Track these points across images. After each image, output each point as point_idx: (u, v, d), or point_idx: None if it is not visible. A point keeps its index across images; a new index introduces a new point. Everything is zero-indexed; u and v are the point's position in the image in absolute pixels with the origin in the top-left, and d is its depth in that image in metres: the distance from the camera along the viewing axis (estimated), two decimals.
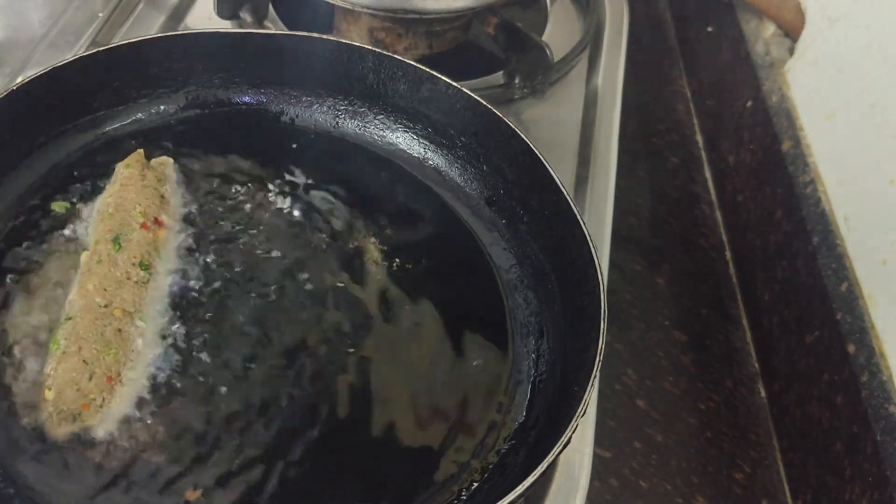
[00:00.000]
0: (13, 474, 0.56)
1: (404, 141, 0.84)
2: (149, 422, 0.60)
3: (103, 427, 0.59)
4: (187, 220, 0.73)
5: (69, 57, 0.73)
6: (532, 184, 0.74)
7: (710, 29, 1.21)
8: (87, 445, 0.58)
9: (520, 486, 0.53)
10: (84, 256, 0.67)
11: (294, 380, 0.65)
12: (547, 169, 0.72)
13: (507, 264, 0.76)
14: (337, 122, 0.84)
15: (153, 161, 0.74)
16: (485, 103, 0.77)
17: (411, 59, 0.79)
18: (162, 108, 0.80)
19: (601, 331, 0.61)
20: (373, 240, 0.75)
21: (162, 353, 0.64)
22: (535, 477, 0.54)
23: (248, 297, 0.69)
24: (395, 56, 0.79)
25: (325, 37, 0.79)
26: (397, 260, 0.74)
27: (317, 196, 0.78)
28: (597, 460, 0.69)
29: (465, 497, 0.61)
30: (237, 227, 0.73)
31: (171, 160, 0.75)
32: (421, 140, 0.83)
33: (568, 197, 0.70)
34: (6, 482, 0.56)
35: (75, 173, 0.74)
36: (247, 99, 0.83)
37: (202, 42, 0.79)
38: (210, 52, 0.80)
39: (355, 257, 0.74)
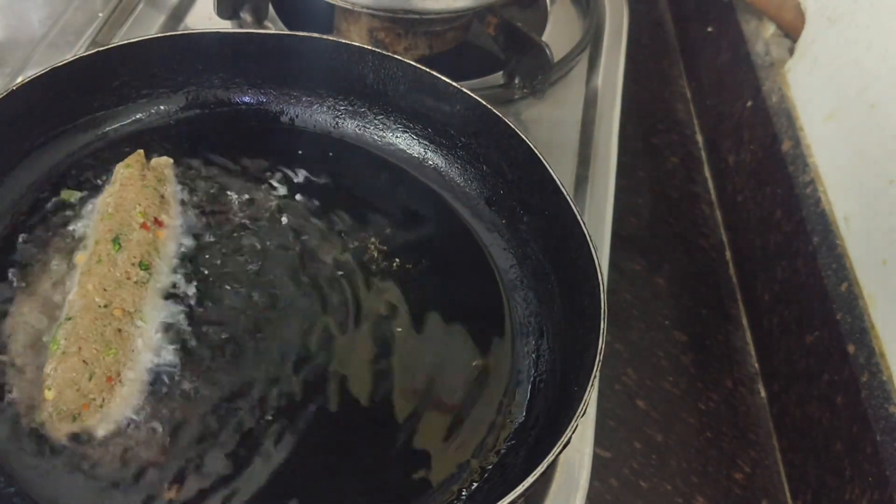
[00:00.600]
0: (13, 474, 0.56)
1: (404, 141, 0.84)
2: (148, 422, 0.60)
3: (103, 427, 0.59)
4: (187, 220, 0.73)
5: (69, 57, 0.73)
6: (532, 184, 0.74)
7: (710, 29, 1.21)
8: (86, 445, 0.58)
9: (520, 486, 0.53)
10: (84, 256, 0.67)
11: (293, 380, 0.65)
12: (547, 169, 0.72)
13: (507, 264, 0.76)
14: (337, 123, 0.84)
15: (153, 161, 0.74)
16: (485, 103, 0.77)
17: (411, 59, 0.79)
18: (162, 108, 0.80)
19: (601, 331, 0.61)
20: (373, 240, 0.75)
21: (162, 352, 0.64)
22: (535, 477, 0.54)
23: (248, 296, 0.69)
24: (395, 56, 0.79)
25: (325, 37, 0.79)
26: (397, 260, 0.74)
27: (317, 196, 0.78)
28: (597, 460, 0.69)
29: (465, 497, 0.61)
30: (237, 227, 0.73)
31: (170, 160, 0.75)
32: (421, 140, 0.83)
33: (568, 197, 0.70)
34: (6, 481, 0.56)
35: (75, 173, 0.74)
36: (247, 99, 0.83)
37: (202, 42, 0.79)
38: (210, 52, 0.80)
39: (355, 257, 0.74)
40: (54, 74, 0.71)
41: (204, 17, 0.97)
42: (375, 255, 0.74)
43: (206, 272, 0.69)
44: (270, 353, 0.66)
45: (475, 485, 0.62)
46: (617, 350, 0.85)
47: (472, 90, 0.78)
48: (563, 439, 0.56)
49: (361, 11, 0.90)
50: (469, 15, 0.97)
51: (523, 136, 0.74)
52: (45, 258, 0.67)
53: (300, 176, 0.79)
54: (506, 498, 0.53)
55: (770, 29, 1.06)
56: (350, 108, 0.84)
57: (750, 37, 1.09)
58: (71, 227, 0.70)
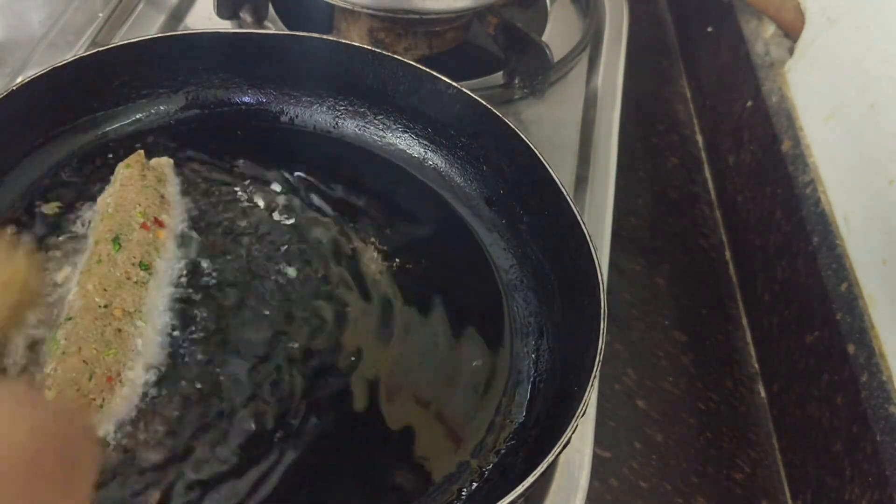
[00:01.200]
0: None
1: (404, 141, 0.84)
2: (149, 421, 0.60)
3: (103, 427, 0.59)
4: (187, 220, 0.73)
5: (69, 57, 0.73)
6: (532, 184, 0.74)
7: (710, 29, 1.21)
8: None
9: (520, 486, 0.53)
10: (84, 256, 0.67)
11: (293, 380, 0.65)
12: (547, 169, 0.72)
13: (507, 264, 0.76)
14: (337, 123, 0.84)
15: (153, 161, 0.74)
16: (485, 103, 0.77)
17: (411, 60, 0.79)
18: (162, 108, 0.80)
19: (601, 331, 0.61)
20: (373, 240, 0.75)
21: (162, 353, 0.64)
22: (535, 477, 0.54)
23: (248, 296, 0.69)
24: (395, 56, 0.79)
25: (325, 37, 0.79)
26: (397, 260, 0.74)
27: (317, 196, 0.78)
28: (597, 460, 0.69)
29: (464, 497, 0.61)
30: (237, 227, 0.73)
31: (170, 160, 0.75)
32: (421, 140, 0.83)
33: (568, 197, 0.70)
34: None
35: (75, 174, 0.74)
36: (247, 99, 0.83)
37: (202, 42, 0.79)
38: (210, 52, 0.80)
39: (355, 257, 0.74)
40: (54, 74, 0.71)
41: (204, 17, 0.97)
42: (375, 254, 0.74)
43: (206, 272, 0.69)
44: (272, 354, 0.66)
45: (475, 485, 0.62)
46: (617, 350, 0.85)
47: (472, 90, 0.78)
48: (563, 439, 0.56)
49: (361, 11, 0.90)
50: (469, 15, 0.97)
51: (523, 136, 0.74)
52: (45, 258, 0.67)
53: (300, 176, 0.79)
54: (506, 498, 0.53)
55: (770, 29, 1.06)
56: (350, 108, 0.84)
57: (750, 37, 1.09)
58: (71, 228, 0.70)
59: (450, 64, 0.88)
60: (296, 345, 0.67)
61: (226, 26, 0.94)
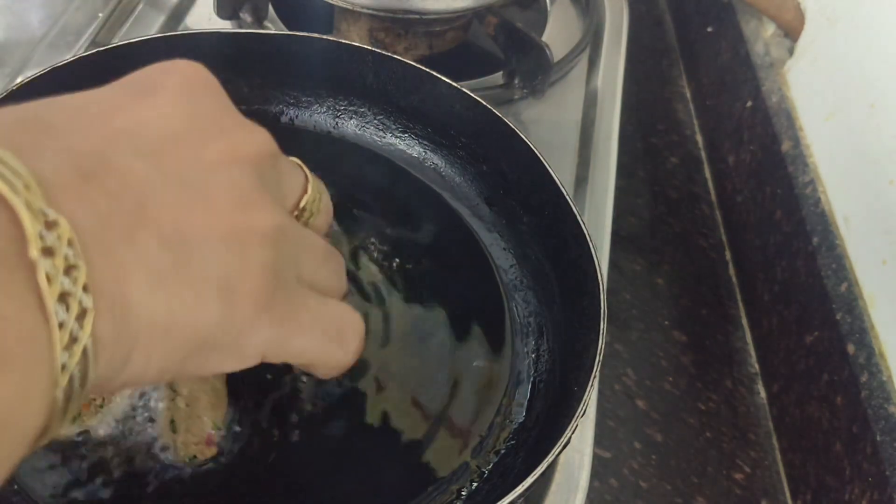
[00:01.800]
0: (13, 474, 0.56)
1: (404, 141, 0.84)
2: (149, 422, 0.60)
3: (104, 427, 0.59)
4: None
5: (69, 57, 0.73)
6: (532, 184, 0.74)
7: (710, 29, 1.21)
8: (87, 445, 0.58)
9: (520, 487, 0.53)
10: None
11: (292, 379, 0.65)
12: (547, 169, 0.72)
13: (507, 264, 0.76)
14: (337, 123, 0.84)
15: None
16: (485, 103, 0.76)
17: (411, 60, 0.79)
18: None
19: (601, 331, 0.61)
20: (372, 240, 0.75)
21: None
22: (535, 477, 0.54)
23: None
24: (395, 56, 0.79)
25: (325, 37, 0.79)
26: (397, 260, 0.74)
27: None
28: (596, 460, 0.69)
29: (464, 497, 0.61)
30: None
31: None
32: (421, 140, 0.83)
33: (568, 197, 0.70)
34: (6, 481, 0.56)
35: None
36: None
37: (202, 42, 0.79)
38: (210, 52, 0.80)
39: (355, 257, 0.74)
40: (54, 74, 0.71)
41: (204, 17, 0.97)
42: (375, 255, 0.74)
43: None
44: None
45: (475, 485, 0.62)
46: (617, 350, 0.86)
47: (472, 90, 0.78)
48: (563, 439, 0.56)
49: (361, 11, 0.90)
50: (469, 15, 0.97)
51: (523, 137, 0.74)
52: None
53: None
54: (506, 498, 0.53)
55: (770, 29, 1.06)
56: (350, 108, 0.84)
57: (750, 37, 1.09)
58: None
59: (450, 64, 0.88)
60: None
61: (226, 26, 0.94)
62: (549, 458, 0.55)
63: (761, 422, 0.85)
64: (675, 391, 0.84)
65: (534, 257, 0.75)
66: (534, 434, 0.64)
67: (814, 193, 0.87)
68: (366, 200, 0.79)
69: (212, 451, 0.59)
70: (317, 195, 0.49)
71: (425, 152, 0.83)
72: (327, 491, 0.60)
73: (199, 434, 0.58)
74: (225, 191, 0.37)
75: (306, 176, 0.48)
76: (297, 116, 0.84)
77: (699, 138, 1.17)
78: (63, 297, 0.27)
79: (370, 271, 0.73)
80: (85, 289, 0.28)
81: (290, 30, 0.93)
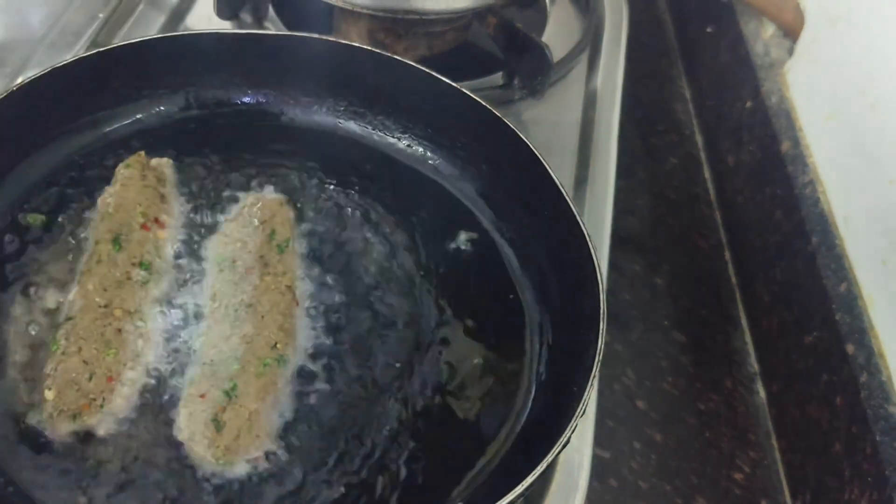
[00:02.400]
0: (13, 473, 0.56)
1: (404, 141, 0.84)
2: (149, 421, 0.60)
3: (104, 427, 0.59)
4: (187, 220, 0.73)
5: (69, 57, 0.73)
6: (532, 184, 0.74)
7: (709, 29, 1.21)
8: (87, 445, 0.58)
9: (519, 486, 0.53)
10: (84, 256, 0.67)
11: (290, 379, 0.65)
12: (547, 169, 0.72)
13: (507, 264, 0.76)
14: (337, 123, 0.84)
15: (153, 161, 0.74)
16: (485, 104, 0.77)
17: (411, 60, 0.80)
18: (162, 108, 0.80)
19: (601, 331, 0.61)
20: (373, 240, 0.75)
21: (162, 352, 0.64)
22: (535, 477, 0.54)
23: (246, 295, 0.69)
24: (395, 56, 0.79)
25: (325, 37, 0.79)
26: (397, 260, 0.74)
27: (317, 196, 0.78)
28: (596, 460, 0.69)
29: (465, 496, 0.61)
30: (237, 227, 0.73)
31: (171, 161, 0.75)
32: (421, 140, 0.83)
33: (568, 197, 0.70)
34: (6, 481, 0.56)
35: (75, 174, 0.74)
36: (247, 99, 0.83)
37: (202, 42, 0.79)
38: (210, 53, 0.80)
39: (357, 257, 0.74)
40: (54, 75, 0.71)
41: (204, 18, 0.97)
42: (376, 254, 0.74)
43: (207, 272, 0.69)
44: (278, 350, 0.66)
45: (476, 484, 0.62)
46: (616, 350, 0.86)
47: (472, 90, 0.78)
48: (563, 439, 0.56)
49: (361, 12, 0.90)
50: (469, 15, 0.97)
51: (523, 137, 0.74)
52: (45, 257, 0.67)
53: (300, 176, 0.79)
54: (506, 498, 0.53)
55: (770, 29, 1.06)
56: (350, 109, 0.84)
57: (750, 37, 1.09)
58: (71, 228, 0.70)
59: (450, 64, 0.89)
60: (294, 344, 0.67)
61: (226, 26, 0.94)
62: (549, 458, 0.55)
63: (761, 422, 0.85)
64: (675, 391, 0.84)
65: (534, 257, 0.75)
66: (534, 434, 0.64)
67: (813, 193, 0.87)
68: (366, 200, 0.79)
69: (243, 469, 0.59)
70: None
71: (425, 152, 0.83)
72: (326, 492, 0.60)
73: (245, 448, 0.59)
74: None
75: None
76: (297, 116, 0.84)
77: (699, 138, 1.17)
78: None
79: (370, 271, 0.73)
80: None
81: (290, 30, 0.93)
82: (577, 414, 0.57)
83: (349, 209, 0.77)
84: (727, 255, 1.02)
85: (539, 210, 0.75)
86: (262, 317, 0.64)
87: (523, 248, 0.76)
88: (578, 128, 0.96)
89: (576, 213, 0.69)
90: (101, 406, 0.59)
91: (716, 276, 0.99)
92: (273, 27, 0.96)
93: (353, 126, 0.84)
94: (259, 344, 0.63)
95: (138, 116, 0.79)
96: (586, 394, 0.58)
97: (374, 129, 0.84)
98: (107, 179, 0.73)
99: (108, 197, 0.70)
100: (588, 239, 0.67)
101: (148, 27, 0.96)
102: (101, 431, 0.59)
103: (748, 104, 1.04)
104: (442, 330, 0.70)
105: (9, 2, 0.96)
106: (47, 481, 0.56)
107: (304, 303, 0.69)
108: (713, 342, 0.92)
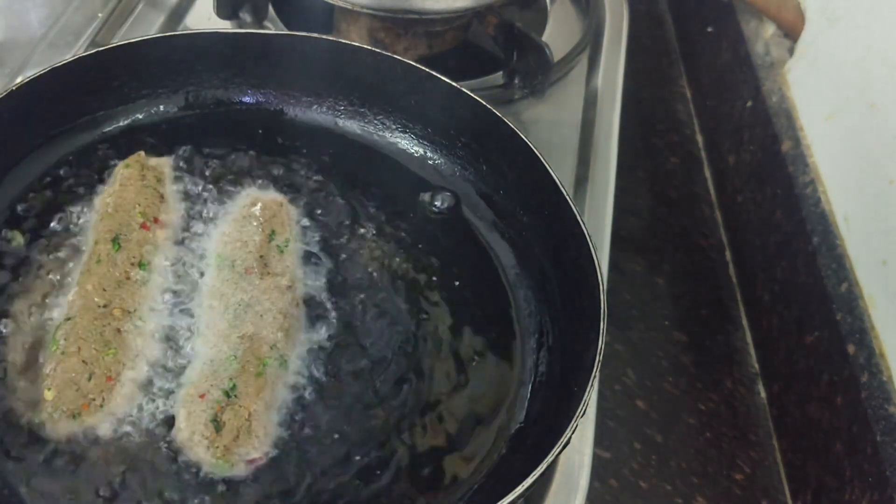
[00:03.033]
0: (13, 473, 0.56)
1: (404, 141, 0.84)
2: (148, 422, 0.60)
3: (103, 426, 0.59)
4: (187, 219, 0.73)
5: (69, 57, 0.73)
6: (532, 184, 0.74)
7: (710, 29, 1.21)
8: (87, 444, 0.58)
9: (520, 487, 0.53)
10: (83, 256, 0.67)
11: (290, 379, 0.65)
12: (547, 169, 0.72)
13: (507, 264, 0.76)
14: (337, 122, 0.84)
15: (153, 161, 0.74)
16: (485, 103, 0.76)
17: (411, 59, 0.79)
18: (161, 108, 0.80)
19: (601, 331, 0.61)
20: (373, 239, 0.75)
21: (161, 352, 0.63)
22: (535, 477, 0.54)
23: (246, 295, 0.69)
24: (395, 56, 0.79)
25: (324, 37, 0.79)
26: (397, 259, 0.74)
27: (317, 196, 0.78)
28: (596, 461, 0.69)
29: (465, 497, 0.61)
30: (237, 227, 0.73)
31: (170, 160, 0.75)
32: (421, 140, 0.83)
33: (568, 197, 0.70)
34: (6, 481, 0.56)
35: (75, 173, 0.74)
36: (247, 99, 0.83)
37: (202, 42, 0.79)
38: (210, 52, 0.80)
39: (357, 257, 0.74)
40: (54, 74, 0.71)
41: (204, 17, 0.97)
42: (376, 254, 0.74)
43: (206, 271, 0.69)
44: (277, 350, 0.66)
45: (475, 485, 0.62)
46: (617, 350, 0.85)
47: (472, 90, 0.78)
48: (563, 439, 0.56)
49: (361, 11, 0.90)
50: (469, 15, 0.97)
51: (523, 137, 0.74)
52: (44, 258, 0.67)
53: (300, 175, 0.79)
54: (506, 498, 0.53)
55: (770, 29, 1.06)
56: (350, 108, 0.84)
57: (750, 37, 1.09)
58: (70, 227, 0.70)
59: (450, 64, 0.89)
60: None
61: (226, 26, 0.94)
62: (549, 458, 0.55)
63: (761, 422, 0.85)
64: (675, 391, 0.84)
65: (534, 257, 0.75)
66: (534, 434, 0.64)
67: (814, 193, 0.87)
68: (366, 200, 0.79)
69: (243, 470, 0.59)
70: None
71: (425, 152, 0.83)
72: (326, 492, 0.60)
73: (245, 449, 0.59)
74: None
75: None
76: (297, 116, 0.84)
77: (699, 138, 1.17)
78: None
79: (370, 271, 0.73)
80: None
81: (290, 30, 0.93)
82: (577, 414, 0.56)
83: (349, 209, 0.77)
84: (727, 254, 1.02)
85: (539, 210, 0.75)
86: (262, 317, 0.64)
87: (523, 248, 0.76)
88: (579, 128, 0.96)
89: (576, 212, 0.69)
90: (101, 406, 0.59)
91: (716, 276, 0.99)
92: (273, 27, 0.96)
93: (353, 125, 0.84)
94: (259, 344, 0.62)
95: (138, 116, 0.79)
96: (586, 394, 0.58)
97: (374, 129, 0.84)
98: (106, 179, 0.73)
99: (107, 197, 0.70)
100: (588, 239, 0.67)
101: (147, 27, 0.96)
102: (100, 431, 0.59)
103: (749, 104, 1.04)
104: (441, 329, 0.70)
105: (9, 2, 0.96)
106: (47, 480, 0.56)
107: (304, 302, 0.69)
108: (713, 342, 0.92)
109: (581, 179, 0.90)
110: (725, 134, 1.09)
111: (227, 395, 0.59)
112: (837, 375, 0.76)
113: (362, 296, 0.71)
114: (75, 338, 0.60)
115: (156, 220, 0.70)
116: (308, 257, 0.73)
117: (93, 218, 0.70)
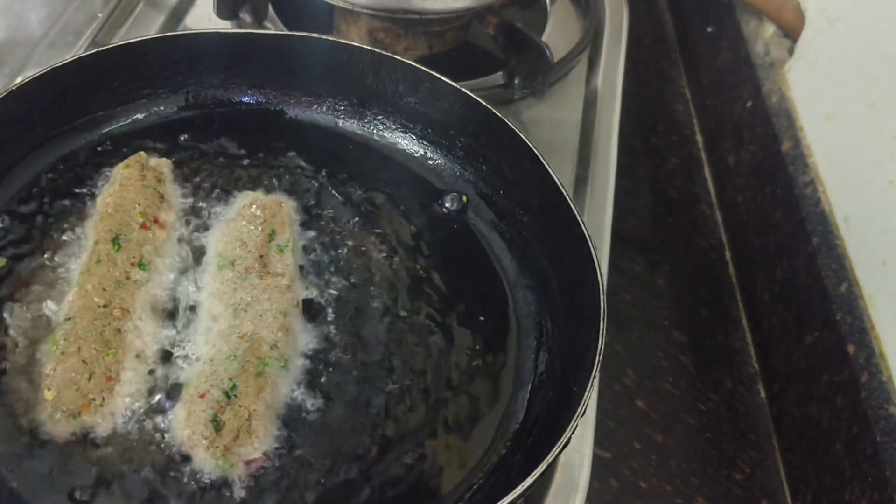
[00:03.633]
0: (13, 473, 0.56)
1: (404, 141, 0.84)
2: (148, 421, 0.60)
3: (103, 426, 0.59)
4: (186, 220, 0.73)
5: (68, 57, 0.73)
6: (532, 184, 0.74)
7: (710, 29, 1.21)
8: (86, 444, 0.58)
9: (520, 487, 0.53)
10: (83, 256, 0.67)
11: (290, 379, 0.65)
12: (547, 169, 0.72)
13: (507, 264, 0.76)
14: (337, 122, 0.84)
15: (152, 161, 0.74)
16: (485, 103, 0.76)
17: (411, 60, 0.79)
18: (161, 108, 0.80)
19: (601, 331, 0.61)
20: (373, 239, 0.75)
21: (161, 352, 0.63)
22: (535, 477, 0.54)
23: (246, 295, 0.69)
24: (395, 56, 0.79)
25: (324, 37, 0.79)
26: (396, 259, 0.74)
27: (317, 195, 0.78)
28: (596, 461, 0.69)
29: (465, 497, 0.61)
30: (237, 227, 0.73)
31: (170, 160, 0.75)
32: (421, 140, 0.83)
33: (568, 197, 0.70)
34: (6, 480, 0.56)
35: (74, 174, 0.74)
36: (247, 99, 0.83)
37: (202, 42, 0.79)
38: (210, 52, 0.80)
39: (357, 257, 0.74)
40: (54, 74, 0.71)
41: (204, 18, 0.97)
42: (377, 254, 0.74)
43: (206, 271, 0.69)
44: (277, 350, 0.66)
45: (475, 485, 0.62)
46: (617, 350, 0.85)
47: (472, 90, 0.78)
48: (563, 439, 0.56)
49: (361, 12, 0.90)
50: (469, 15, 0.97)
51: (523, 137, 0.74)
52: (44, 258, 0.67)
53: (300, 175, 0.79)
54: (506, 498, 0.53)
55: (770, 29, 1.06)
56: (350, 108, 0.84)
57: (750, 37, 1.09)
58: (71, 227, 0.70)
59: (450, 64, 0.89)
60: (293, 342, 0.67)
61: (226, 26, 0.94)
62: (549, 458, 0.55)
63: (761, 422, 0.85)
64: (675, 391, 0.84)
65: (534, 257, 0.75)
66: (533, 434, 0.64)
67: (814, 194, 0.87)
68: (365, 200, 0.79)
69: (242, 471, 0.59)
70: None
71: (425, 152, 0.83)
72: (327, 493, 0.60)
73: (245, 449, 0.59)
74: None
75: None
76: (297, 116, 0.84)
77: (699, 138, 1.17)
78: None
79: (371, 271, 0.73)
80: None
81: (290, 30, 0.93)
82: (577, 414, 0.57)
83: (349, 209, 0.77)
84: (727, 254, 1.02)
85: (539, 210, 0.75)
86: (262, 316, 0.64)
87: (523, 248, 0.76)
88: (578, 128, 0.96)
89: (576, 212, 0.69)
90: (101, 406, 0.59)
91: (716, 276, 0.99)
92: (273, 27, 0.96)
93: (353, 125, 0.84)
94: (259, 344, 0.62)
95: (137, 116, 0.79)
96: (586, 394, 0.58)
97: (374, 129, 0.84)
98: (106, 179, 0.73)
99: (107, 197, 0.70)
100: (588, 239, 0.67)
101: (147, 27, 0.96)
102: (100, 431, 0.59)
103: (748, 104, 1.04)
104: (441, 329, 0.70)
105: (9, 2, 0.96)
106: (47, 480, 0.56)
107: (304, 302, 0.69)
108: (713, 342, 0.92)
109: (581, 179, 0.90)
110: (725, 134, 1.09)
111: (227, 395, 0.59)
112: (837, 375, 0.76)
113: (362, 296, 0.71)
114: (75, 338, 0.60)
115: (156, 220, 0.70)
116: (308, 257, 0.73)
117: (93, 218, 0.70)
